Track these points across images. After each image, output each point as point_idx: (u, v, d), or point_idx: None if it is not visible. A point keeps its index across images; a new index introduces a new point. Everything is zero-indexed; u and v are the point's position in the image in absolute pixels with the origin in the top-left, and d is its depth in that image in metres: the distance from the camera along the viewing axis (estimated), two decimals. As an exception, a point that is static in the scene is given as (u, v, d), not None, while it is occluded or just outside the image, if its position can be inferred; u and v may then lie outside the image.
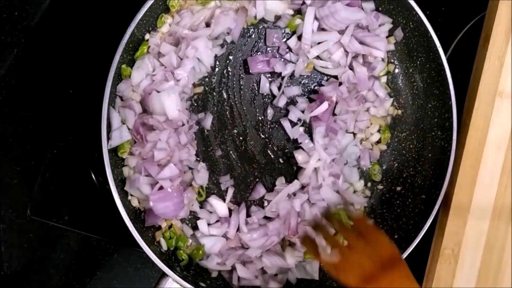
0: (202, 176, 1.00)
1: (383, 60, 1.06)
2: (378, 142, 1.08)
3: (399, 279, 0.80)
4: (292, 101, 1.06)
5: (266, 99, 1.05)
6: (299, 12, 1.04)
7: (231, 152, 1.04)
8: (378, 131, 1.08)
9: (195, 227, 1.00)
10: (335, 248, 0.84)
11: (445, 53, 1.00)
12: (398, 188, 1.07)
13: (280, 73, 1.04)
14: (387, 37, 1.05)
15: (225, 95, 1.04)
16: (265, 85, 1.04)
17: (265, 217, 1.03)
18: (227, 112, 1.04)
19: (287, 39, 1.05)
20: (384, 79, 1.07)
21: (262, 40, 1.05)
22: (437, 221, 1.01)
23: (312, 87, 1.06)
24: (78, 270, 1.09)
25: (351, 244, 0.84)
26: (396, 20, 1.04)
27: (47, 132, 1.07)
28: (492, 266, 1.00)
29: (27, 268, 1.08)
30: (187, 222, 1.01)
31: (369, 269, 0.80)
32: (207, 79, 1.03)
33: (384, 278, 0.79)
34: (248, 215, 1.02)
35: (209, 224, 1.00)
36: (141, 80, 0.95)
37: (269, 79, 1.05)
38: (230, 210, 1.02)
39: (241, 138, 1.04)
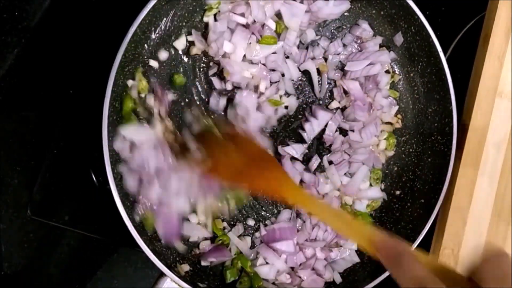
0: None
1: (387, 72, 1.07)
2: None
3: (273, 175, 0.84)
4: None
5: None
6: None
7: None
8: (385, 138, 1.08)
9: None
10: (206, 152, 0.87)
11: (445, 54, 1.00)
12: (397, 192, 1.07)
13: None
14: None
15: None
16: None
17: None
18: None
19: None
20: (387, 87, 1.07)
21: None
22: (437, 222, 1.01)
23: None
24: (78, 270, 1.09)
25: (223, 149, 0.87)
26: (397, 24, 1.05)
27: (47, 132, 1.07)
28: (492, 266, 1.00)
29: (27, 268, 1.08)
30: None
31: (243, 168, 0.83)
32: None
33: (259, 175, 0.83)
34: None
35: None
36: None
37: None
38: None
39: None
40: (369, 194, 1.06)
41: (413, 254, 0.61)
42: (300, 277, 1.00)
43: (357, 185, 1.05)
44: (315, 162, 1.05)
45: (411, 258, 0.60)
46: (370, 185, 1.06)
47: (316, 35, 1.06)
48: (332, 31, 1.08)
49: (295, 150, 1.04)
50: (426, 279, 0.54)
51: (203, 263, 0.99)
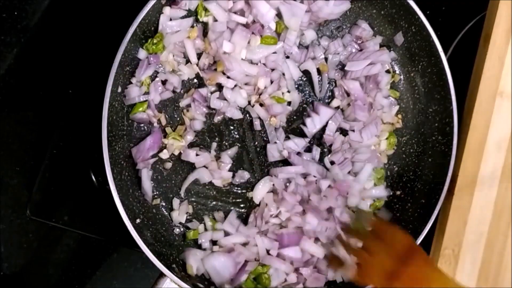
0: None
1: (388, 71, 1.07)
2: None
3: (419, 268, 0.82)
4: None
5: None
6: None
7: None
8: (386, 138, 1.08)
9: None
10: (356, 257, 0.87)
11: (445, 53, 1.00)
12: (398, 192, 1.07)
13: None
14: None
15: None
16: None
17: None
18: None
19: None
20: (387, 87, 1.07)
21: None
22: (437, 221, 1.01)
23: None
24: (78, 270, 1.08)
25: (369, 248, 0.86)
26: (398, 24, 1.04)
27: (47, 132, 1.07)
28: (492, 267, 1.00)
29: (27, 268, 1.08)
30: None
31: (390, 266, 0.82)
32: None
33: (406, 271, 0.81)
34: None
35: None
36: None
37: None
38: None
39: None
40: (374, 193, 1.06)
41: None
42: (302, 274, 1.00)
43: (362, 183, 1.04)
44: (316, 153, 1.05)
45: None
46: (374, 184, 1.06)
47: (317, 35, 1.06)
48: (332, 30, 1.08)
49: (297, 144, 1.04)
50: None
51: None
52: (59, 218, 1.05)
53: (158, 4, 0.95)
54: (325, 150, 1.06)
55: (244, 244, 1.00)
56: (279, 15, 1.01)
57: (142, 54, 0.98)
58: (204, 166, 1.02)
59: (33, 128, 1.09)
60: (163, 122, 1.01)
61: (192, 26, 1.00)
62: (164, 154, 1.00)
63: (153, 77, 1.00)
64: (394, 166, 1.08)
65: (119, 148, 0.97)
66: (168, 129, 1.01)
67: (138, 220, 0.96)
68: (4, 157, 1.07)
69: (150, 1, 0.93)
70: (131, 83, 0.98)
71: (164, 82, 1.00)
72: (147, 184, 1.00)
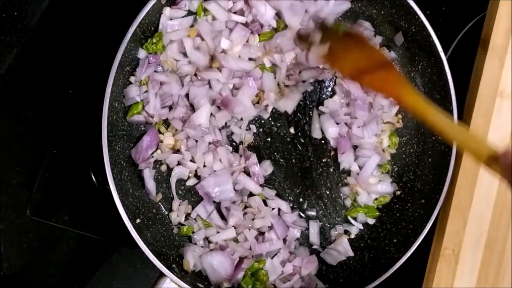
0: None
1: None
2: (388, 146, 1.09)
3: (392, 75, 0.84)
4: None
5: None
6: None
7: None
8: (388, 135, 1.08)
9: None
10: (331, 45, 0.88)
11: (445, 53, 1.00)
12: (398, 192, 1.07)
13: None
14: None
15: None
16: None
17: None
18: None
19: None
20: None
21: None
22: (437, 221, 1.01)
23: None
24: (78, 270, 1.08)
25: (345, 47, 0.88)
26: (398, 24, 1.04)
27: (47, 132, 1.07)
28: (492, 266, 1.00)
29: (26, 268, 1.08)
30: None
31: (363, 64, 0.85)
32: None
33: (378, 72, 0.84)
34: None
35: None
36: None
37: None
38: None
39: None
40: (380, 188, 1.06)
41: None
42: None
43: (367, 173, 1.05)
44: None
45: None
46: (379, 181, 1.06)
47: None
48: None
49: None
50: None
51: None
52: (59, 218, 1.05)
53: (158, 4, 0.95)
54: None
55: (237, 241, 1.01)
56: (278, 14, 1.01)
57: (142, 53, 0.98)
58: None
59: (33, 128, 1.09)
60: (156, 119, 1.01)
61: (192, 25, 1.00)
62: (159, 155, 1.00)
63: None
64: (394, 166, 1.08)
65: (119, 148, 0.97)
66: (162, 128, 1.02)
67: (138, 220, 0.96)
68: (4, 157, 1.07)
69: (150, 1, 0.93)
70: (130, 83, 0.98)
71: (162, 83, 1.00)
72: (150, 184, 1.00)
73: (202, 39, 1.00)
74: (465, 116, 1.01)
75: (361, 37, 0.95)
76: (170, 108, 1.01)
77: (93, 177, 1.07)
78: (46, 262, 1.08)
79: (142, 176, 1.00)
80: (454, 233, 0.99)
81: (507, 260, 1.00)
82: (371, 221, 1.06)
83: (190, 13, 1.01)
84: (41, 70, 1.08)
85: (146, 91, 0.98)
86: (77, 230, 1.06)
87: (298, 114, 1.07)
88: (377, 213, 1.06)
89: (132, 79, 0.98)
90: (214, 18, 1.00)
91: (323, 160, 1.07)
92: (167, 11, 0.98)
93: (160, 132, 1.01)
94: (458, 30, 1.09)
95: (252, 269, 0.99)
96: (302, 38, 0.96)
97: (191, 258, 0.97)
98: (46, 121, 1.08)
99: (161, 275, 0.93)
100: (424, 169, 1.05)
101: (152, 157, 1.00)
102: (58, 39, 1.08)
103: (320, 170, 1.07)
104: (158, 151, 1.00)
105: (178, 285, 0.92)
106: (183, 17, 1.00)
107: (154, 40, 0.97)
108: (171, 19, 0.99)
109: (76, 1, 1.08)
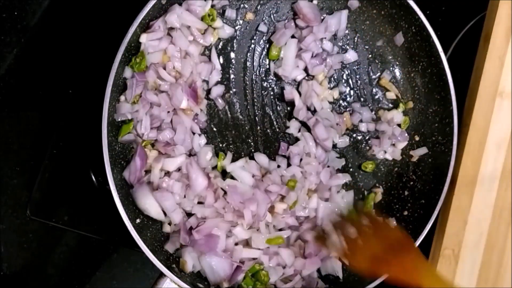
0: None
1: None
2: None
3: (410, 260, 0.82)
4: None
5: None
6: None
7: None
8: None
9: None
10: (346, 240, 0.88)
11: (445, 53, 1.00)
12: (398, 193, 1.07)
13: None
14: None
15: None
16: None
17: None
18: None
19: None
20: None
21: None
22: (437, 221, 1.01)
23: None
24: (78, 270, 1.08)
25: (361, 235, 0.87)
26: (398, 24, 1.04)
27: (47, 132, 1.07)
28: (492, 267, 1.00)
29: (26, 268, 1.08)
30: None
31: (380, 253, 0.82)
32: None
33: (395, 260, 0.81)
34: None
35: None
36: None
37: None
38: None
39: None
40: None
41: None
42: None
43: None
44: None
45: None
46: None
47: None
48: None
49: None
50: None
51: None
52: (59, 218, 1.05)
53: (159, 4, 0.95)
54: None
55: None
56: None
57: (128, 73, 0.95)
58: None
59: (33, 128, 1.09)
60: (145, 138, 0.98)
61: None
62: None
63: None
64: (394, 167, 1.08)
65: (119, 148, 0.97)
66: (149, 147, 0.99)
67: (138, 220, 0.96)
68: (4, 157, 1.07)
69: (151, 1, 0.93)
70: (119, 101, 0.96)
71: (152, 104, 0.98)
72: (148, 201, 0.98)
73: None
74: (465, 116, 1.01)
75: (375, 217, 0.96)
76: (158, 129, 0.99)
77: (93, 177, 1.06)
78: (46, 262, 1.08)
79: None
80: (454, 233, 0.99)
81: (507, 260, 1.00)
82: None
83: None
84: (41, 70, 1.08)
85: (137, 111, 0.96)
86: (77, 230, 1.06)
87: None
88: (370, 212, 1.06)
89: (122, 98, 0.96)
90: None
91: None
92: (143, 38, 0.95)
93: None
94: (458, 30, 1.10)
95: (252, 270, 0.98)
96: (320, 239, 0.97)
97: (189, 259, 0.96)
98: (46, 121, 1.08)
99: (161, 275, 0.93)
100: (424, 169, 1.05)
101: (147, 173, 0.98)
102: (58, 39, 1.08)
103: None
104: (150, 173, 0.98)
105: (178, 285, 0.92)
106: (160, 38, 0.96)
107: (138, 60, 0.95)
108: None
109: (76, 1, 1.08)
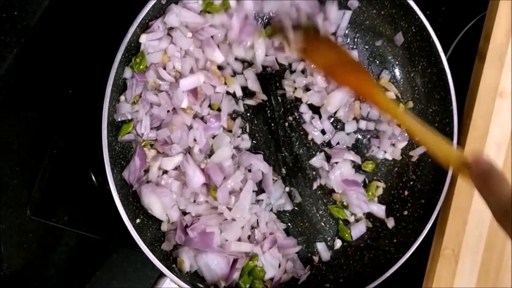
0: None
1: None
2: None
3: (364, 75, 0.87)
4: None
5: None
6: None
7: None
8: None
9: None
10: (305, 40, 0.90)
11: (445, 53, 1.00)
12: (398, 193, 1.07)
13: None
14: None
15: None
16: None
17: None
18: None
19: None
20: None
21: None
22: (437, 221, 1.01)
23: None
24: (78, 270, 1.08)
25: (321, 45, 0.91)
26: (398, 24, 1.04)
27: (47, 132, 1.07)
28: (492, 267, 1.00)
29: (26, 268, 1.08)
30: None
31: (337, 61, 0.87)
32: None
33: (352, 70, 0.86)
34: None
35: None
36: None
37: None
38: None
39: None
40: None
41: (500, 175, 0.66)
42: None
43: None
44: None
45: (499, 178, 0.65)
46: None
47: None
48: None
49: None
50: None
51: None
52: (59, 218, 1.05)
53: (159, 4, 0.95)
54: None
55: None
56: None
57: (128, 73, 0.96)
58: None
59: (33, 128, 1.09)
60: (145, 138, 0.98)
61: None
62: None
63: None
64: (394, 167, 1.08)
65: (119, 148, 0.97)
66: (148, 146, 0.99)
67: (138, 220, 0.96)
68: (4, 157, 1.07)
69: (151, 1, 0.93)
70: (119, 101, 0.97)
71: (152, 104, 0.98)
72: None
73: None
74: (465, 116, 1.01)
75: (330, 39, 0.98)
76: (157, 128, 0.99)
77: (93, 177, 1.06)
78: (46, 262, 1.08)
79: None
80: (454, 233, 0.99)
81: (507, 260, 1.00)
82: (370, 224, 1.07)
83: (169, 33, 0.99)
84: (41, 70, 1.08)
85: (137, 111, 0.96)
86: (77, 230, 1.06)
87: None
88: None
89: (122, 98, 0.96)
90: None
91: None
92: (143, 38, 0.95)
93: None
94: (458, 30, 1.09)
95: (248, 268, 0.98)
96: (278, 31, 0.97)
97: (186, 258, 0.96)
98: (46, 121, 1.08)
99: (161, 275, 0.93)
100: (424, 169, 1.05)
101: (146, 172, 0.98)
102: (58, 39, 1.08)
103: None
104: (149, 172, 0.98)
105: (178, 285, 0.92)
106: (160, 38, 0.97)
107: (138, 60, 0.95)
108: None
109: (76, 1, 1.08)
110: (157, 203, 0.95)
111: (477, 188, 0.69)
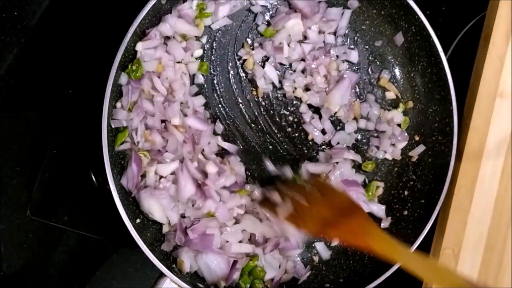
0: None
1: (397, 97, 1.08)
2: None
3: (357, 222, 0.84)
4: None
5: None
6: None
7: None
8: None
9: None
10: (292, 203, 0.89)
11: (445, 53, 1.00)
12: (398, 193, 1.07)
13: None
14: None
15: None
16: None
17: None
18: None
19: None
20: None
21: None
22: (437, 221, 1.01)
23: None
24: (78, 270, 1.08)
25: (308, 200, 0.88)
26: (398, 24, 1.04)
27: (47, 132, 1.07)
28: (492, 267, 1.00)
29: (26, 268, 1.08)
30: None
31: (328, 217, 0.85)
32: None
33: (343, 223, 0.84)
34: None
35: None
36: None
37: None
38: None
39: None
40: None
41: None
42: None
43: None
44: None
45: None
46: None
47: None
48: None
49: None
50: None
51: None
52: (59, 218, 1.05)
53: (159, 4, 0.95)
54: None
55: None
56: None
57: (124, 79, 0.95)
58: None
59: (33, 128, 1.09)
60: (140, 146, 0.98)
61: None
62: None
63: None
64: (394, 166, 1.08)
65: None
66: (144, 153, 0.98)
67: (138, 220, 0.96)
68: (4, 157, 1.07)
69: (151, 1, 0.93)
70: (116, 107, 0.96)
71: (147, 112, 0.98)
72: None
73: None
74: (465, 116, 1.01)
75: (322, 182, 0.97)
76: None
77: (93, 177, 1.06)
78: (46, 262, 1.08)
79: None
80: (454, 233, 0.99)
81: (507, 260, 1.00)
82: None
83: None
84: (41, 70, 1.08)
85: (132, 119, 0.95)
86: (77, 230, 1.06)
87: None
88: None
89: (118, 105, 0.95)
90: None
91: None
92: (139, 46, 0.94)
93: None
94: (458, 30, 1.10)
95: (248, 268, 0.98)
96: (264, 203, 0.96)
97: (186, 259, 0.96)
98: (46, 121, 1.08)
99: (161, 275, 0.93)
100: (424, 169, 1.05)
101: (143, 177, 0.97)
102: (58, 39, 1.08)
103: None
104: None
105: (178, 285, 0.92)
106: (155, 47, 0.96)
107: (134, 67, 0.94)
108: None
109: (76, 1, 1.08)
110: (156, 206, 0.95)
111: None
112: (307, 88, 1.06)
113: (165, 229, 0.99)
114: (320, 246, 1.05)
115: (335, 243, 1.04)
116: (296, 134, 1.07)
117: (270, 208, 0.94)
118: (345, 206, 0.87)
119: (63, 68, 1.08)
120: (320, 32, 1.05)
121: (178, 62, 1.00)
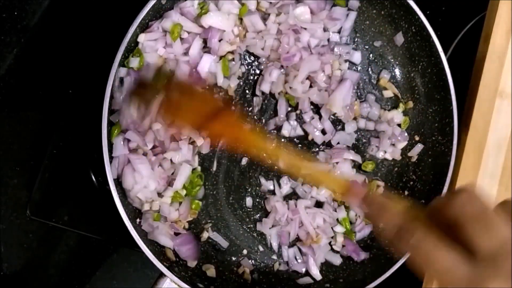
0: None
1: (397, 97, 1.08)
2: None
3: (229, 121, 0.84)
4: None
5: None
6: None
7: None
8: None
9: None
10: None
11: (445, 53, 1.00)
12: (398, 193, 1.07)
13: None
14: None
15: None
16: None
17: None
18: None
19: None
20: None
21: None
22: (437, 222, 1.01)
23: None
24: (78, 270, 1.08)
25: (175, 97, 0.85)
26: (398, 24, 1.04)
27: (47, 132, 1.07)
28: (492, 267, 0.99)
29: (26, 268, 1.08)
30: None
31: (196, 113, 0.83)
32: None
33: (214, 119, 0.82)
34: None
35: None
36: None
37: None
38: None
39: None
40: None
41: (392, 207, 0.68)
42: None
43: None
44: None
45: (391, 211, 0.68)
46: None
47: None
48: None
49: None
50: (404, 223, 0.65)
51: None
52: (59, 218, 1.05)
53: (158, 4, 0.95)
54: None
55: None
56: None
57: (122, 72, 0.94)
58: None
59: (33, 128, 1.09)
60: None
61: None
62: None
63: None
64: (394, 167, 1.08)
65: (119, 148, 0.97)
66: None
67: (138, 220, 0.96)
68: (4, 157, 1.07)
69: (151, 1, 0.93)
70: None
71: None
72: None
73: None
74: (465, 116, 1.01)
75: (185, 84, 0.91)
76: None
77: (93, 177, 1.07)
78: (46, 262, 1.08)
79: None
80: (454, 233, 0.99)
81: (507, 260, 0.99)
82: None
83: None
84: (41, 70, 1.08)
85: None
86: (77, 230, 1.06)
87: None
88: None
89: (117, 95, 0.94)
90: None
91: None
92: (141, 37, 0.94)
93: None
94: (458, 30, 1.09)
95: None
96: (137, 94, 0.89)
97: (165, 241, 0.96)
98: (46, 121, 1.08)
99: (161, 275, 0.93)
100: (424, 169, 1.05)
101: None
102: (58, 39, 1.08)
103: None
104: None
105: (178, 285, 0.92)
106: (156, 39, 0.96)
107: (134, 58, 0.94)
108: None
109: (76, 1, 1.08)
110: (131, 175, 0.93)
111: (371, 217, 0.74)
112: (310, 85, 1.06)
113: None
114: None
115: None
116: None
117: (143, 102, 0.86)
118: (212, 102, 0.86)
119: (63, 68, 1.08)
120: (324, 30, 1.05)
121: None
